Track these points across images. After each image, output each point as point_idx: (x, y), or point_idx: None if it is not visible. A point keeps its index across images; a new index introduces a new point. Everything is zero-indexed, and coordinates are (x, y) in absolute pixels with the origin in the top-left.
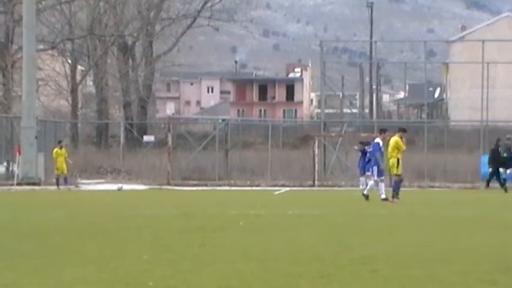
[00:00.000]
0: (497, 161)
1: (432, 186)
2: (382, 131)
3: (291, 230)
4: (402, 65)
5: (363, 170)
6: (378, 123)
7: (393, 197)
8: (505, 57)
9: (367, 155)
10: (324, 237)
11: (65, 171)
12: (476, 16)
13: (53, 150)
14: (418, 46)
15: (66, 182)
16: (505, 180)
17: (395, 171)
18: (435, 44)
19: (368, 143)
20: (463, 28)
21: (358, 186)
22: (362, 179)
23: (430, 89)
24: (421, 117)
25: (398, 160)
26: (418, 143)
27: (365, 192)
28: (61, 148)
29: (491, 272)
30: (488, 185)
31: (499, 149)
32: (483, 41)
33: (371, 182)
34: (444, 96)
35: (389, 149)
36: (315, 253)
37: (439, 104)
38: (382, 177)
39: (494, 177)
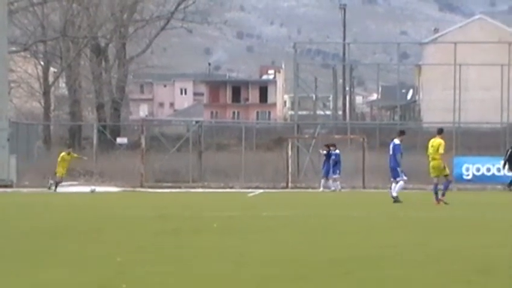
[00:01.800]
0: None
1: (405, 188)
2: (402, 132)
3: (266, 232)
4: (375, 67)
5: (327, 173)
6: (351, 125)
7: (443, 195)
8: (477, 59)
9: (333, 157)
10: (299, 239)
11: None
12: (449, 18)
13: (59, 153)
14: (391, 48)
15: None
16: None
17: (441, 173)
18: (408, 45)
19: (334, 145)
20: (436, 30)
21: (328, 188)
22: (323, 181)
23: (403, 90)
24: (393, 119)
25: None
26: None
27: (394, 194)
28: (68, 154)
29: (468, 272)
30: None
31: None
32: (455, 43)
33: (401, 183)
34: (417, 98)
35: (432, 150)
36: (291, 255)
37: (411, 106)
38: (405, 178)
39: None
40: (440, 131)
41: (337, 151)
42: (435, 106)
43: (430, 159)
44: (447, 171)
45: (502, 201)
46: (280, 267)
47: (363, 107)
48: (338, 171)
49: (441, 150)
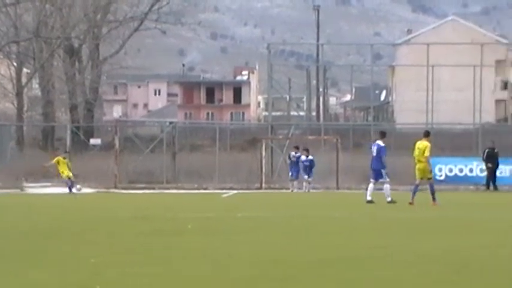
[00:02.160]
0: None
1: (380, 189)
2: (384, 134)
3: (249, 233)
4: (349, 68)
5: (297, 174)
6: (325, 125)
7: (434, 199)
8: (450, 60)
9: (306, 163)
10: (283, 239)
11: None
12: (422, 19)
13: (53, 158)
14: (365, 49)
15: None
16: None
17: (426, 175)
18: (381, 47)
19: (307, 150)
20: (409, 31)
21: (300, 189)
22: (296, 183)
23: (376, 91)
24: (367, 120)
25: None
26: (364, 146)
27: (388, 199)
28: (64, 158)
29: (452, 273)
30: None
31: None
32: (428, 44)
33: (387, 186)
34: (390, 99)
35: (417, 152)
36: (278, 255)
37: (385, 107)
38: (388, 179)
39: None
40: (427, 134)
41: (311, 157)
42: (408, 107)
43: (416, 161)
44: (431, 174)
45: (478, 201)
46: (268, 267)
47: (337, 108)
48: (311, 174)
49: (427, 153)
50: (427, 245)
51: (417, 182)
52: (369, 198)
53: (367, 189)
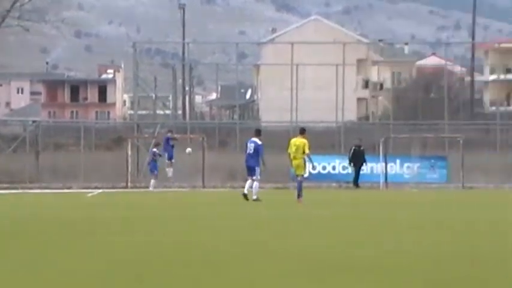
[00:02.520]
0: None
1: (243, 187)
2: (259, 132)
3: (100, 232)
4: (214, 67)
5: (155, 170)
6: (191, 124)
7: (299, 196)
8: (313, 59)
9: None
10: (134, 239)
11: None
12: (286, 18)
13: None
14: (230, 48)
15: None
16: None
17: (302, 172)
18: (246, 45)
19: (159, 144)
20: (274, 30)
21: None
22: (153, 181)
23: (242, 90)
24: (233, 118)
25: (305, 161)
26: (230, 144)
27: (254, 197)
28: None
29: (325, 271)
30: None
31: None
32: (292, 43)
33: (256, 184)
34: (255, 97)
35: (294, 149)
36: (157, 253)
37: (250, 105)
38: (259, 178)
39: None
40: (302, 131)
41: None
42: (273, 105)
43: (291, 158)
44: (304, 171)
45: (343, 199)
46: (120, 267)
47: (203, 106)
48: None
49: (307, 150)
50: (285, 243)
51: (299, 179)
52: (246, 191)
53: (244, 187)
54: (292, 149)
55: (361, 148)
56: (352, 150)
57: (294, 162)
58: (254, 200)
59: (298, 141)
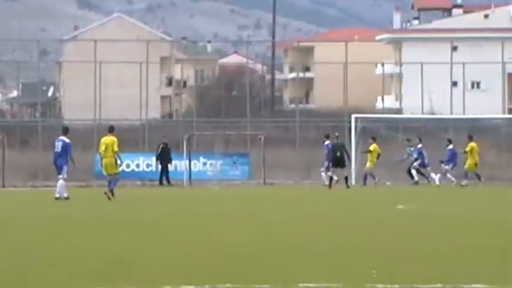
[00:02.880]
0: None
1: (47, 186)
2: (66, 129)
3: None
4: (15, 64)
5: None
6: None
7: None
8: (117, 56)
9: None
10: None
11: None
12: (88, 16)
13: None
14: (31, 45)
15: None
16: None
17: (114, 170)
18: (48, 43)
19: None
20: (76, 28)
21: None
22: None
23: (44, 87)
24: (34, 116)
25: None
26: (32, 143)
27: (64, 195)
28: None
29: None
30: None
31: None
32: (95, 41)
33: (62, 182)
34: (58, 95)
35: (104, 147)
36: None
37: (53, 103)
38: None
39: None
40: (111, 129)
41: None
42: (76, 103)
43: (102, 156)
44: (117, 169)
45: (150, 197)
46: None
47: (3, 104)
48: None
49: (115, 148)
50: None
51: (108, 178)
52: (64, 195)
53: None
54: (102, 148)
55: (168, 146)
56: (160, 148)
57: (104, 161)
58: (56, 199)
59: (108, 139)
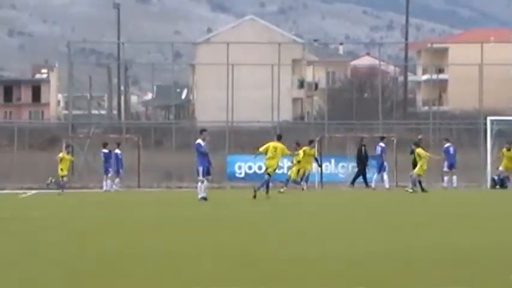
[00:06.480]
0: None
1: (180, 187)
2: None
3: (37, 232)
4: (150, 66)
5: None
6: (126, 124)
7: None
8: (249, 59)
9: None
10: (64, 238)
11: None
12: (221, 18)
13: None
14: (166, 47)
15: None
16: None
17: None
18: (182, 45)
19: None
20: (209, 30)
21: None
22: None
23: (178, 90)
24: (168, 119)
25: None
26: (165, 144)
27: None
28: (68, 153)
29: (234, 267)
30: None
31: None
32: (228, 43)
33: (206, 183)
34: (191, 97)
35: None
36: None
37: (186, 105)
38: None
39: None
40: (279, 137)
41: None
42: (209, 105)
43: (268, 157)
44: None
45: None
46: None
47: (138, 106)
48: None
49: (287, 152)
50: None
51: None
52: (200, 195)
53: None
54: (271, 150)
55: (365, 147)
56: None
57: (270, 162)
58: (203, 198)
59: (277, 144)
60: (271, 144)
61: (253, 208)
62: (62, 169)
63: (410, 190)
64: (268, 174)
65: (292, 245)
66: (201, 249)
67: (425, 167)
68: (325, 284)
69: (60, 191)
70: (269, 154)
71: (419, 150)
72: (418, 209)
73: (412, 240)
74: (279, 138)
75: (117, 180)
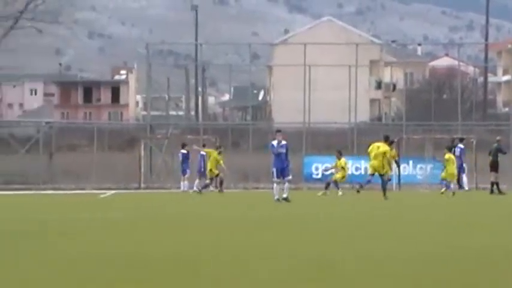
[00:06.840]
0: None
1: (257, 188)
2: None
3: (113, 233)
4: (227, 68)
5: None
6: (204, 125)
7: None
8: (326, 60)
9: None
10: (157, 239)
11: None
12: (298, 19)
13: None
14: (243, 49)
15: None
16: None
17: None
18: (259, 46)
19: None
20: (286, 31)
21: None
22: (186, 182)
23: (255, 91)
24: (245, 120)
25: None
26: (242, 145)
27: (284, 195)
28: (219, 153)
29: (308, 270)
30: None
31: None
32: (305, 44)
33: (286, 185)
34: (268, 98)
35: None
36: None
37: (263, 106)
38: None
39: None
40: (386, 138)
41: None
42: (286, 106)
43: (372, 157)
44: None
45: (353, 200)
46: (127, 268)
47: (216, 107)
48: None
49: (389, 154)
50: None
51: (369, 178)
52: (276, 197)
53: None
54: (374, 151)
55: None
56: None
57: (374, 163)
58: (284, 199)
59: (381, 145)
60: (375, 144)
61: (330, 208)
62: (211, 169)
63: (451, 193)
64: (371, 174)
65: (358, 245)
66: (278, 249)
67: (453, 171)
68: (395, 284)
69: (218, 189)
70: (371, 154)
71: (448, 156)
72: (497, 210)
73: (487, 241)
74: (386, 139)
75: (196, 181)
